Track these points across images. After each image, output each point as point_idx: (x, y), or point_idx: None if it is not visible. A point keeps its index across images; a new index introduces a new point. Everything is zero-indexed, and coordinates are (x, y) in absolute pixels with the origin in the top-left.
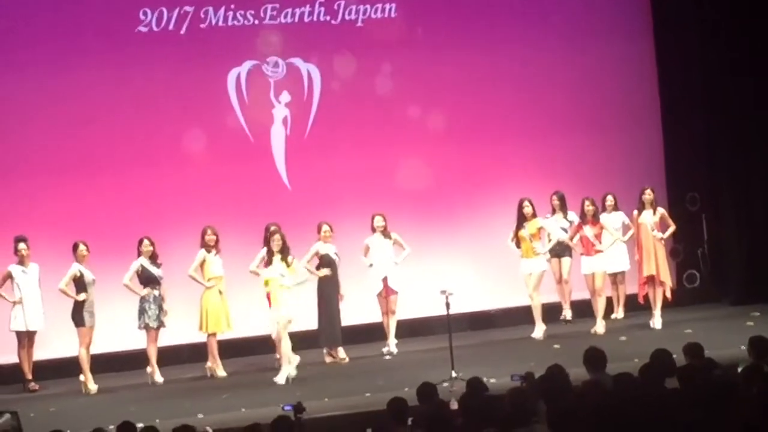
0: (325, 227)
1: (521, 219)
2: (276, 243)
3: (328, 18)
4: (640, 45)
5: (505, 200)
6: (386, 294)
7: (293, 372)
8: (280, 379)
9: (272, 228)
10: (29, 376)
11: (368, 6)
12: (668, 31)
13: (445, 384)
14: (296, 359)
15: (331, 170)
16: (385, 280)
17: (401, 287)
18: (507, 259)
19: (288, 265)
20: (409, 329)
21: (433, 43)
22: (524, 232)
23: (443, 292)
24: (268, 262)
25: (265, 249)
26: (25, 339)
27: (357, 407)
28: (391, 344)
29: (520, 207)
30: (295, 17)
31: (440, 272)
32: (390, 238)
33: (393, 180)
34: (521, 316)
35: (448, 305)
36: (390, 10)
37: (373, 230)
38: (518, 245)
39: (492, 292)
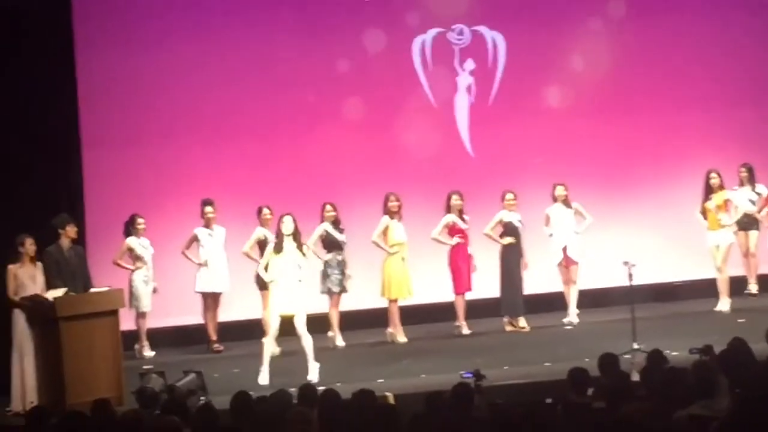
0: (508, 195)
1: (708, 191)
2: None
3: None
4: None
5: (692, 171)
6: (566, 264)
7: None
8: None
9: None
10: (214, 337)
11: None
12: None
13: (627, 356)
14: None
15: (515, 138)
16: (565, 249)
17: (582, 257)
18: (692, 230)
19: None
20: (591, 299)
21: (617, 14)
22: (710, 204)
23: (626, 263)
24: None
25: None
26: (210, 301)
27: (537, 376)
28: (572, 314)
29: (707, 178)
30: None
31: (622, 242)
32: (571, 207)
33: (576, 148)
34: (706, 288)
35: (630, 276)
36: None
37: (554, 199)
38: (705, 217)
39: (676, 264)
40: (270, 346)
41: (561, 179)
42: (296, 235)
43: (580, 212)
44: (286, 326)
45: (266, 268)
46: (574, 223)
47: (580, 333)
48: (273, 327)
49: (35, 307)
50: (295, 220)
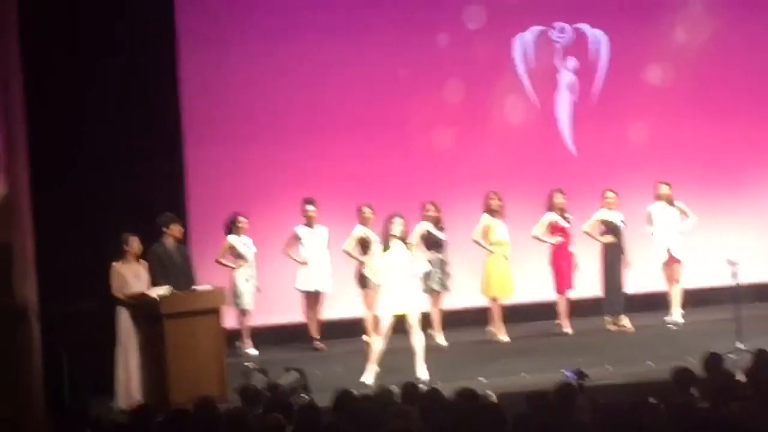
0: (609, 193)
1: None
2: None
3: None
4: None
5: None
6: (670, 262)
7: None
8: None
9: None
10: (316, 336)
11: None
12: None
13: (731, 355)
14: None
15: (617, 137)
16: (669, 248)
17: (686, 256)
18: None
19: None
20: (694, 299)
21: (726, 13)
22: None
23: (730, 261)
24: None
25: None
26: (312, 299)
27: (640, 375)
28: (675, 313)
29: None
30: None
31: (726, 241)
32: (674, 205)
33: (679, 147)
34: None
35: (734, 275)
36: None
37: (657, 198)
38: None
39: None
40: (379, 345)
41: (664, 177)
42: (404, 236)
43: (684, 211)
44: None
45: (370, 268)
46: (677, 222)
47: (683, 332)
48: (384, 326)
49: (140, 305)
50: (405, 223)
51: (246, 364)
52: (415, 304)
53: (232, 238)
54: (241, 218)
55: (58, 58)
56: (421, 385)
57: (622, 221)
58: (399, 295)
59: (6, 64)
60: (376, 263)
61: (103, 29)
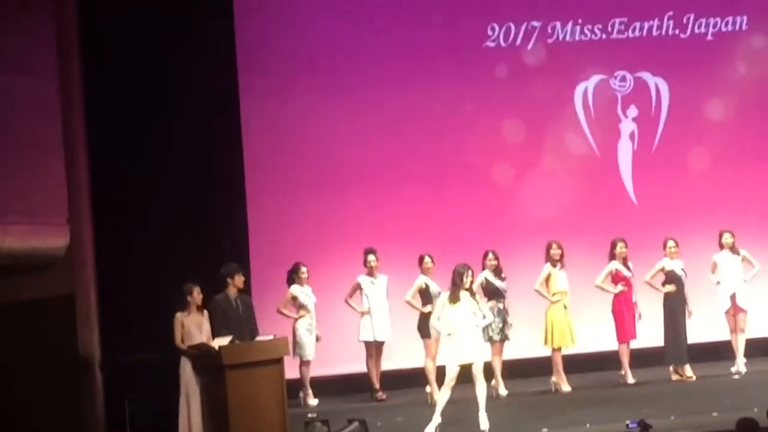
0: (670, 242)
1: None
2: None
3: (677, 31)
4: None
5: None
6: (735, 312)
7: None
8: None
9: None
10: (377, 386)
11: (718, 19)
12: None
13: None
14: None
15: (679, 185)
16: (733, 297)
17: (750, 305)
18: None
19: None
20: (759, 348)
21: None
22: None
23: None
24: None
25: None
26: (373, 349)
27: (704, 426)
28: (740, 363)
29: None
30: (644, 31)
31: None
32: (739, 254)
33: (740, 196)
34: None
35: None
36: (741, 23)
37: (721, 247)
38: None
39: None
40: (445, 395)
41: (727, 226)
42: (470, 286)
43: (748, 259)
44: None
45: (431, 318)
46: (741, 271)
47: (747, 382)
48: (450, 376)
49: (201, 356)
50: (471, 273)
51: (309, 415)
52: (479, 354)
53: (294, 288)
54: (302, 268)
55: (121, 111)
56: None
57: (682, 269)
58: (464, 344)
59: (71, 118)
60: (442, 313)
61: (169, 80)
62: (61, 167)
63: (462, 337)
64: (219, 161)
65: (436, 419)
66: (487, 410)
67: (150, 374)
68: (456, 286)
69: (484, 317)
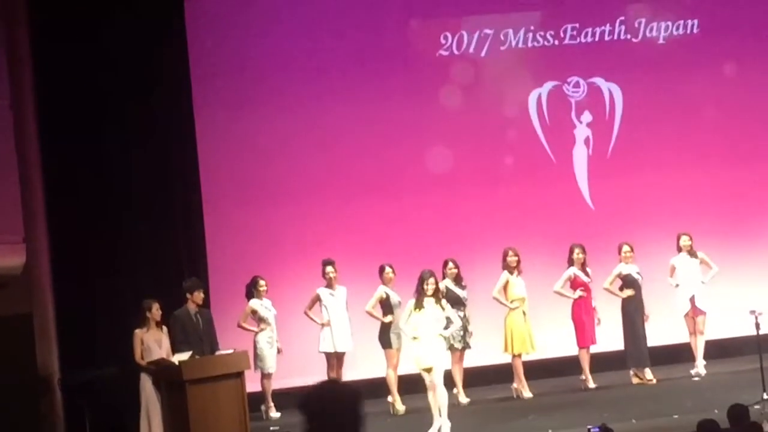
0: (625, 247)
1: None
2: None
3: (629, 36)
4: None
5: None
6: (694, 314)
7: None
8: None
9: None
10: None
11: (670, 23)
12: None
13: (757, 406)
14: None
15: (634, 190)
16: (692, 299)
17: (709, 307)
18: None
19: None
20: (718, 350)
21: (737, 62)
22: None
23: (753, 312)
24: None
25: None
26: (334, 360)
27: (665, 429)
28: (700, 365)
29: None
30: (596, 36)
31: (749, 291)
32: (696, 257)
33: (697, 198)
34: None
35: (758, 325)
36: (692, 26)
37: (679, 250)
38: None
39: None
40: (434, 400)
41: (682, 229)
42: (436, 293)
43: (706, 262)
44: (407, 384)
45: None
46: (700, 273)
47: (707, 384)
48: (428, 380)
49: (162, 371)
50: (437, 281)
51: (271, 428)
52: (439, 361)
53: (253, 302)
54: (260, 281)
55: (75, 128)
56: None
57: (638, 273)
58: (425, 350)
59: (24, 138)
60: (408, 320)
61: (123, 97)
62: (15, 185)
63: (424, 343)
64: (175, 176)
65: (437, 423)
66: (449, 418)
67: (110, 391)
68: (418, 293)
69: (452, 323)
